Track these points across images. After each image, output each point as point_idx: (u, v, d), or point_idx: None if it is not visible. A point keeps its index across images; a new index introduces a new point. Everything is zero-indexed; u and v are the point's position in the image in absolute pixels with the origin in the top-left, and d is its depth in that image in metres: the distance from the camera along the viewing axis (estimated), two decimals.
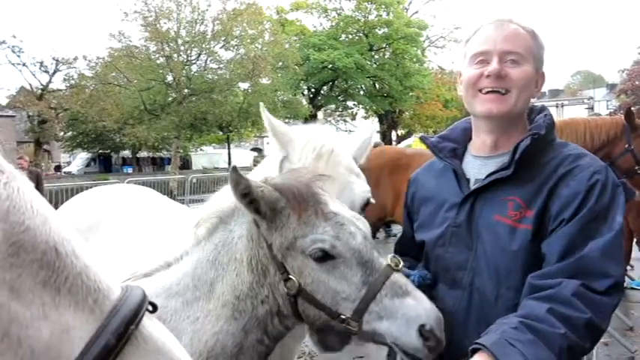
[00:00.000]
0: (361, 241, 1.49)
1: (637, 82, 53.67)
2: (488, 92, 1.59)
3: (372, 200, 2.03)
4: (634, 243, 7.36)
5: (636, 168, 5.26)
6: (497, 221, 1.55)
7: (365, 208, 2.00)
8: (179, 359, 0.79)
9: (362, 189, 2.01)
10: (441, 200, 1.73)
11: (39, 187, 11.73)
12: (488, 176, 1.60)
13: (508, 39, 1.60)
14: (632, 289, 7.13)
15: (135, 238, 2.55)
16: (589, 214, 1.43)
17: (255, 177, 1.67)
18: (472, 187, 1.66)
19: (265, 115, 2.13)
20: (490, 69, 1.58)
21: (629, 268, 7.55)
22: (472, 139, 1.76)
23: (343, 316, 1.46)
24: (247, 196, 1.50)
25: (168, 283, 1.71)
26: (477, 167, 1.69)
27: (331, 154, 1.98)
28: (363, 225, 1.57)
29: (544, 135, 1.56)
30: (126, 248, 2.49)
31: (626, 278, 7.25)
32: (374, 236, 6.01)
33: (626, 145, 5.21)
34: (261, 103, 2.21)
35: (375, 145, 17.11)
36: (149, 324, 0.77)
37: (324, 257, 1.46)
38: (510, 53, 1.59)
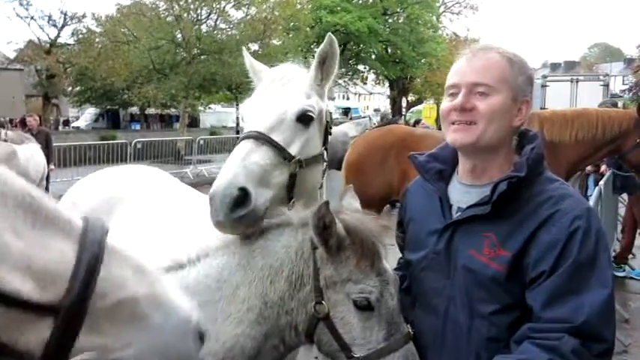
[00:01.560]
0: (396, 303, 1.63)
1: None
2: (456, 124, 1.60)
3: (311, 114, 2.02)
4: (637, 233, 7.38)
5: None
6: (472, 256, 1.57)
7: (302, 120, 2.01)
8: (140, 262, 1.05)
9: (301, 100, 2.04)
10: (425, 222, 1.75)
11: (48, 145, 11.80)
12: (469, 207, 1.61)
13: (478, 70, 1.59)
14: (632, 278, 7.12)
15: (155, 222, 2.60)
16: (573, 266, 1.42)
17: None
18: (454, 215, 1.66)
19: (246, 55, 2.33)
20: (456, 102, 1.59)
21: (630, 256, 7.60)
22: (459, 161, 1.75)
23: (354, 355, 1.57)
24: (326, 229, 1.59)
25: (184, 283, 1.74)
26: (461, 194, 1.69)
27: (283, 79, 2.09)
28: (398, 286, 1.71)
29: (524, 177, 1.53)
30: (147, 229, 2.53)
31: (627, 267, 7.29)
32: (379, 211, 6.03)
33: (638, 140, 5.16)
34: (244, 48, 2.34)
35: (383, 116, 17.02)
36: (111, 240, 1.01)
37: (366, 307, 1.58)
38: (479, 85, 1.58)
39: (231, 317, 1.70)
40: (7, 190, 0.89)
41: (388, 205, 11.08)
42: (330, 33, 2.22)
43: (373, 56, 35.34)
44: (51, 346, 0.88)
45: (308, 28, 28.15)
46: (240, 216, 1.77)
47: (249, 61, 2.29)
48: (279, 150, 1.92)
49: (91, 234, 0.96)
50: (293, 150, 1.95)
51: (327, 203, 1.57)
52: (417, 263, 1.74)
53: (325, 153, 2.12)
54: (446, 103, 1.65)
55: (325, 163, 2.13)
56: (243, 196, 1.78)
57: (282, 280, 1.66)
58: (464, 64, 1.63)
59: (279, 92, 2.05)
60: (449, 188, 1.74)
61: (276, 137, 1.93)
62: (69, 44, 28.76)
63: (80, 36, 26.58)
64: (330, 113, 2.20)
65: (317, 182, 2.10)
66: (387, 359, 1.55)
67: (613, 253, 7.43)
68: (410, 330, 1.63)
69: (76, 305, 0.89)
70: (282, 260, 1.68)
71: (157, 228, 2.50)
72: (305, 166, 1.97)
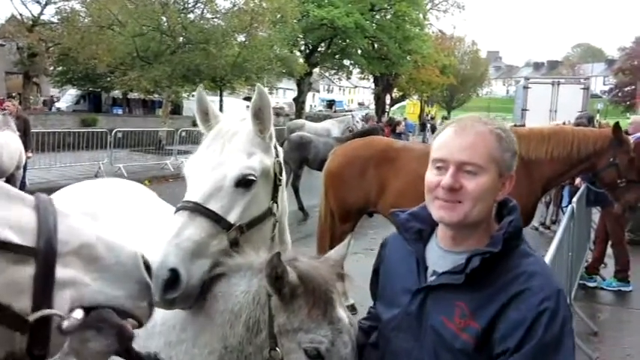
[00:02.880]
0: (349, 351, 1.64)
1: (636, 62, 53.71)
2: (441, 200, 1.59)
3: (252, 177, 1.97)
4: (608, 245, 7.56)
5: (618, 182, 5.36)
6: (443, 323, 1.57)
7: (240, 185, 1.96)
8: (84, 218, 1.36)
9: (240, 163, 1.98)
10: (400, 281, 1.75)
11: (26, 132, 11.61)
12: (443, 273, 1.62)
13: (467, 148, 1.57)
14: (602, 289, 7.28)
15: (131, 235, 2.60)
16: (537, 347, 1.43)
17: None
18: (429, 278, 1.66)
19: (201, 94, 2.18)
20: (444, 182, 1.56)
21: (602, 266, 7.78)
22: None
23: None
24: (278, 279, 1.60)
25: (151, 322, 1.78)
26: (438, 257, 1.68)
27: (227, 133, 2.04)
28: (355, 334, 1.70)
29: (497, 252, 1.54)
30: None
31: (598, 277, 7.47)
32: (357, 221, 6.08)
33: (611, 159, 5.29)
34: (201, 87, 2.25)
35: (366, 118, 16.93)
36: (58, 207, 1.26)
37: (316, 356, 1.59)
38: (467, 164, 1.55)
39: (194, 359, 1.74)
40: None
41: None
42: (258, 84, 2.18)
43: (359, 52, 35.32)
44: (39, 279, 1.13)
45: (295, 21, 27.93)
46: (172, 299, 1.76)
47: (203, 99, 2.16)
48: (216, 221, 1.87)
49: (43, 202, 1.22)
50: (232, 217, 1.91)
51: (278, 254, 1.58)
52: (388, 322, 1.74)
53: (275, 206, 2.07)
54: (432, 176, 1.63)
55: (274, 217, 2.07)
56: (174, 278, 1.75)
57: (241, 324, 1.67)
58: (452, 139, 1.61)
59: (220, 153, 1.99)
60: (427, 248, 1.73)
61: (214, 206, 1.89)
62: (52, 22, 28.12)
63: (64, 14, 26.00)
64: (280, 163, 2.14)
65: (265, 239, 2.04)
66: None
67: (585, 264, 7.62)
68: None
69: (48, 246, 1.16)
70: (241, 305, 1.69)
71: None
72: (247, 231, 1.93)
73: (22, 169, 10.78)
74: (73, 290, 1.19)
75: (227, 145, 2.01)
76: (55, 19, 27.76)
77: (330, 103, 74.99)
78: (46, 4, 27.57)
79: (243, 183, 1.95)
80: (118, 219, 2.73)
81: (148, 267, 1.35)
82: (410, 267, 1.73)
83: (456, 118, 1.74)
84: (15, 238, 1.12)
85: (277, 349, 1.61)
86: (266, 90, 2.10)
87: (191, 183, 1.98)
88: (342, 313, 1.67)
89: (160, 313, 1.77)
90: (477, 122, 1.62)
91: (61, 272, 1.17)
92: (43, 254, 1.15)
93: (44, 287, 1.14)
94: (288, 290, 1.60)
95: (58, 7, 27.00)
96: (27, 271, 1.13)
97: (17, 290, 1.11)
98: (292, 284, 1.60)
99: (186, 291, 1.77)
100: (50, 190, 3.29)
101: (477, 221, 1.60)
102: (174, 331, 1.77)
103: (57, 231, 1.18)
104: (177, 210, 1.90)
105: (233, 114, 2.19)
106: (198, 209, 1.87)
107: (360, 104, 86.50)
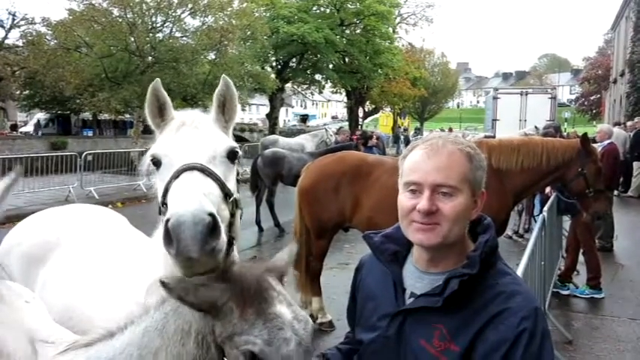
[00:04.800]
0: (293, 347, 1.50)
1: (599, 72, 55.19)
2: (418, 224, 1.57)
3: (237, 150, 1.90)
4: (580, 253, 7.66)
5: (587, 191, 5.44)
6: (422, 347, 1.55)
7: (231, 157, 1.87)
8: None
9: (223, 137, 1.92)
10: (378, 303, 1.73)
11: None
12: (421, 296, 1.60)
13: (440, 170, 1.56)
14: (576, 296, 7.35)
15: (94, 263, 2.53)
16: None
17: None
18: (407, 300, 1.64)
19: (158, 87, 1.95)
20: (420, 206, 1.54)
21: (575, 273, 7.87)
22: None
23: None
24: (183, 302, 1.53)
25: (112, 353, 1.73)
26: (415, 279, 1.67)
27: (192, 123, 1.91)
28: (304, 329, 1.56)
29: (475, 274, 1.53)
30: (83, 279, 2.46)
31: (571, 285, 7.55)
32: (332, 237, 6.04)
33: (580, 169, 5.37)
34: (158, 80, 2.03)
35: (338, 130, 16.90)
36: None
37: (252, 358, 1.49)
38: (442, 186, 1.54)
39: None
40: None
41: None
42: (224, 75, 2.06)
43: (330, 66, 35.57)
44: None
45: (265, 38, 28.04)
46: (213, 248, 1.56)
47: (160, 92, 1.94)
48: (222, 185, 1.74)
49: None
50: (230, 187, 1.79)
51: (162, 282, 1.51)
52: (367, 345, 1.72)
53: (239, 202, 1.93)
54: (406, 200, 1.60)
55: (240, 210, 1.92)
56: (214, 224, 1.55)
57: (192, 342, 1.63)
58: (424, 161, 1.59)
59: (197, 133, 1.87)
60: (404, 270, 1.71)
61: (216, 171, 1.76)
62: (18, 46, 27.68)
63: (30, 38, 25.62)
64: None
65: (238, 232, 1.90)
66: None
67: (558, 272, 7.70)
68: None
69: None
70: (190, 322, 1.63)
71: (95, 277, 2.44)
72: (236, 209, 1.83)
73: None
74: None
75: (198, 129, 1.89)
76: (20, 43, 27.33)
77: (304, 118, 75.33)
78: (11, 28, 27.14)
79: (232, 155, 1.86)
80: (81, 245, 2.67)
81: None
82: (387, 289, 1.70)
83: (424, 137, 1.72)
84: None
85: (225, 359, 1.56)
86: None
87: (179, 152, 1.79)
88: (283, 309, 1.56)
89: (120, 343, 1.71)
90: (448, 142, 1.61)
91: None
92: None
93: None
94: (205, 304, 1.52)
95: (22, 31, 26.60)
96: None
97: None
98: (205, 298, 1.52)
99: (222, 244, 1.60)
100: (19, 217, 3.22)
101: (454, 242, 1.59)
102: (132, 359, 1.71)
103: None
104: (184, 170, 1.70)
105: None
106: (207, 170, 1.72)
107: (334, 117, 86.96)
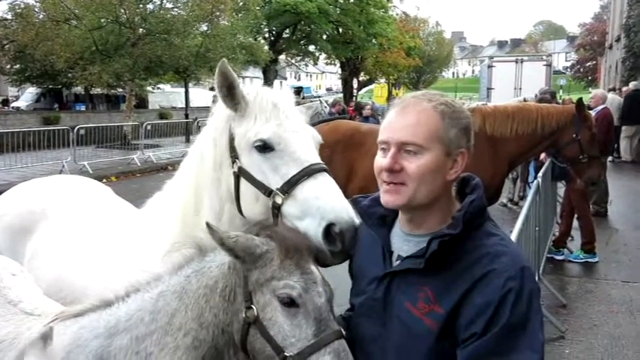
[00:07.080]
0: (324, 301, 1.63)
1: (596, 38, 54.73)
2: (386, 184, 1.56)
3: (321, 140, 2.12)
4: (574, 218, 7.71)
5: (580, 157, 5.45)
6: (407, 309, 1.54)
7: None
8: None
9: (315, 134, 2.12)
10: (367, 268, 1.72)
11: None
12: (406, 258, 1.59)
13: (407, 127, 1.52)
14: (570, 261, 7.43)
15: (83, 233, 2.51)
16: (504, 329, 1.40)
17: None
18: (394, 262, 1.63)
19: (227, 67, 2.00)
20: (383, 163, 1.53)
21: (569, 239, 7.94)
22: None
23: (286, 354, 1.57)
24: (223, 245, 1.63)
25: (114, 320, 1.75)
26: (401, 242, 1.65)
27: (285, 103, 2.07)
28: (330, 290, 1.67)
29: (458, 234, 1.49)
30: (71, 250, 2.45)
31: (565, 250, 7.62)
32: None
33: (574, 135, 5.36)
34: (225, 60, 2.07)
35: (334, 102, 16.90)
36: None
37: (290, 303, 1.59)
38: (407, 144, 1.51)
39: (167, 348, 1.69)
40: None
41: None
42: (222, 60, 2.06)
43: (324, 37, 35.14)
44: None
45: (257, 8, 27.60)
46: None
47: (229, 73, 1.99)
48: None
49: None
50: None
51: (207, 225, 1.65)
52: (357, 309, 1.72)
53: None
54: (378, 159, 1.59)
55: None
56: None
57: (217, 295, 1.68)
58: (394, 119, 1.57)
59: (301, 122, 2.06)
60: (391, 234, 1.69)
61: None
62: (6, 19, 27.18)
63: (18, 10, 25.12)
64: None
65: None
66: (318, 354, 1.55)
67: (552, 237, 7.76)
68: (342, 329, 1.62)
69: None
70: (217, 277, 1.70)
71: (85, 247, 2.43)
72: None
73: None
74: None
75: (298, 117, 2.08)
76: (8, 16, 26.83)
77: (298, 90, 74.64)
78: None
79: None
80: (68, 215, 2.64)
81: None
82: (376, 252, 1.70)
83: (404, 96, 1.69)
84: None
85: (252, 306, 1.61)
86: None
87: (297, 146, 1.96)
88: (316, 269, 1.68)
89: (125, 310, 1.73)
90: (421, 100, 1.57)
91: None
92: None
93: None
94: (242, 251, 1.62)
95: (10, 3, 26.08)
96: None
97: None
98: (243, 246, 1.62)
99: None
100: None
101: (427, 203, 1.55)
102: (142, 324, 1.71)
103: None
104: (317, 171, 1.92)
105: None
106: (329, 172, 1.97)
107: (329, 90, 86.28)
